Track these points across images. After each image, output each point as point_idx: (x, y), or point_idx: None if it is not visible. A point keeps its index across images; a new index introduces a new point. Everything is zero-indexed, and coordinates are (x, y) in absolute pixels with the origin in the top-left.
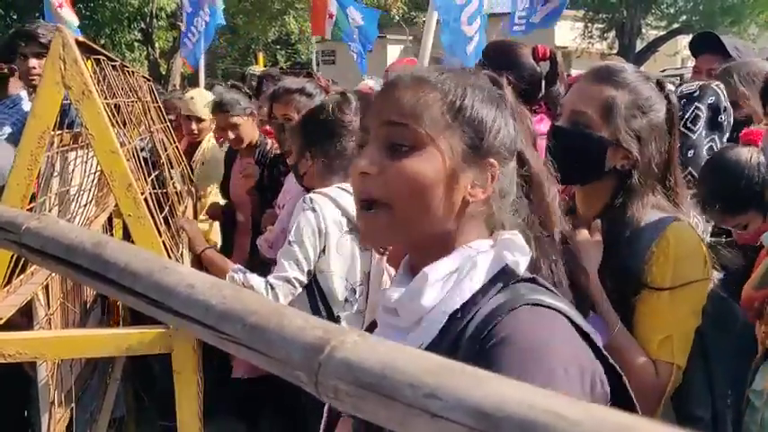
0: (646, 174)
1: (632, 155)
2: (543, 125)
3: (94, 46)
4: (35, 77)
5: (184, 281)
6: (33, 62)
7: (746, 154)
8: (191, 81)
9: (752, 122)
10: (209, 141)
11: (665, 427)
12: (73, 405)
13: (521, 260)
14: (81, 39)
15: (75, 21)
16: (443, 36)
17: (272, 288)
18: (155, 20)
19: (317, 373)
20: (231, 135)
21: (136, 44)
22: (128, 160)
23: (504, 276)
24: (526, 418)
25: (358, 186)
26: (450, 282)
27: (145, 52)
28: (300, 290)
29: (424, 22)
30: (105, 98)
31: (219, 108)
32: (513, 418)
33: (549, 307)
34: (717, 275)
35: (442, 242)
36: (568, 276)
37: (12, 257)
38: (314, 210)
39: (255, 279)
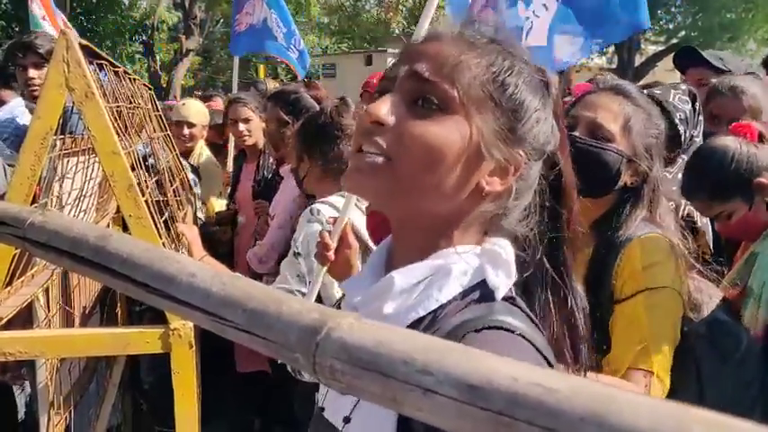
0: (653, 191)
1: (643, 171)
2: None
3: (98, 51)
4: (35, 88)
5: (186, 269)
6: (32, 72)
7: (735, 143)
8: (191, 92)
9: None
10: (201, 148)
11: (644, 398)
12: (71, 409)
13: (502, 282)
14: (85, 42)
15: (55, 34)
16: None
17: None
18: (156, 32)
19: (315, 354)
20: (242, 127)
21: (137, 56)
22: (131, 167)
23: (479, 291)
24: (511, 389)
25: (364, 134)
26: (418, 289)
27: (146, 64)
28: None
29: None
30: (108, 102)
31: (236, 100)
32: (500, 391)
33: (512, 331)
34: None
35: (433, 232)
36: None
37: (13, 259)
38: (320, 222)
39: None
